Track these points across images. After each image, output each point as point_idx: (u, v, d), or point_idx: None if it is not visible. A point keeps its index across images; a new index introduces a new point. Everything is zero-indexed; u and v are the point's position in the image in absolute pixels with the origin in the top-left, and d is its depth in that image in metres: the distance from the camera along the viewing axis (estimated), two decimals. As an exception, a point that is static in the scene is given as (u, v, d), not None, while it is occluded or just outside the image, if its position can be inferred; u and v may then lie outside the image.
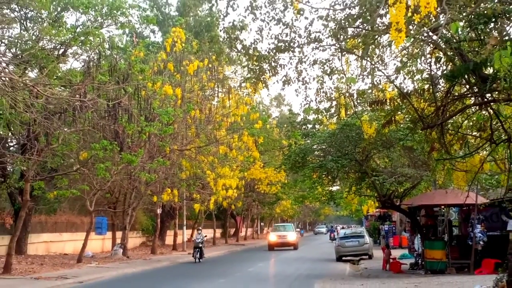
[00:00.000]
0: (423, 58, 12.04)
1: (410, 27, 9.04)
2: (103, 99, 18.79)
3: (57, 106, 17.97)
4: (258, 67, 12.34)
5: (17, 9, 20.16)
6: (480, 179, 19.25)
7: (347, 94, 13.76)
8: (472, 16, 9.65)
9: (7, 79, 15.27)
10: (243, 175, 34.21)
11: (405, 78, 13.21)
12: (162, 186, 27.59)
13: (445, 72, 11.68)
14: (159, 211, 32.56)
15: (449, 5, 8.73)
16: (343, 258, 28.70)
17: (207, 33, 35.81)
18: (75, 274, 18.96)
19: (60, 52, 21.66)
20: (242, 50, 12.55)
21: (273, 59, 12.10)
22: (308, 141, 23.53)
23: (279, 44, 11.76)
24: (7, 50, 20.30)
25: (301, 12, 11.17)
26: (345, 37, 11.47)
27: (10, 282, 16.32)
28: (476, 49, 10.77)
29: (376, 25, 10.58)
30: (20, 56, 18.96)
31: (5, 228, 23.90)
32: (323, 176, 23.01)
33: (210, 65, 25.91)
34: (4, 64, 16.82)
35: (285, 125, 38.88)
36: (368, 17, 10.16)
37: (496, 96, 11.30)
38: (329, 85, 13.68)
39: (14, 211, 24.48)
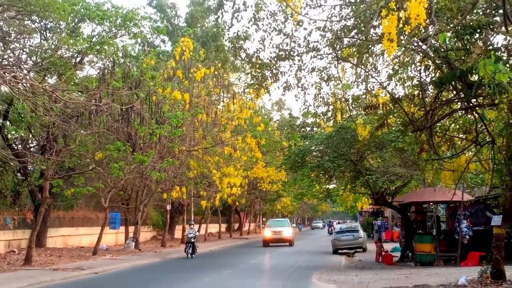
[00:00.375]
0: (413, 66, 12.06)
1: (402, 37, 9.06)
2: (117, 104, 18.81)
3: (74, 110, 17.99)
4: (260, 74, 12.35)
5: (37, 20, 20.20)
6: (466, 178, 19.23)
7: (343, 99, 13.76)
8: (459, 27, 9.67)
9: (28, 85, 15.30)
10: (247, 174, 34.19)
11: (396, 85, 13.24)
12: (171, 184, 27.57)
13: (433, 79, 11.68)
14: (168, 207, 32.54)
15: (437, 17, 8.74)
16: (339, 251, 28.64)
17: (213, 42, 35.83)
18: (91, 266, 18.96)
19: (77, 60, 21.70)
20: (245, 59, 12.57)
21: (274, 67, 12.12)
22: (307, 142, 23.53)
23: (280, 53, 11.78)
24: (28, 58, 20.35)
25: (301, 24, 11.20)
26: (341, 46, 11.49)
27: (31, 273, 16.33)
28: (463, 58, 10.78)
29: (370, 36, 10.60)
30: (40, 63, 19.01)
31: (26, 223, 23.92)
32: (321, 175, 23.00)
33: (216, 72, 25.93)
34: (25, 71, 16.87)
35: (286, 128, 38.93)
36: (363, 28, 10.17)
37: (481, 101, 11.30)
38: (326, 91, 13.75)
39: (34, 207, 24.50)
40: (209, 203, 33.37)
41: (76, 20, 21.33)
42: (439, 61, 11.07)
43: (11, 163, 22.00)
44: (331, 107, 13.91)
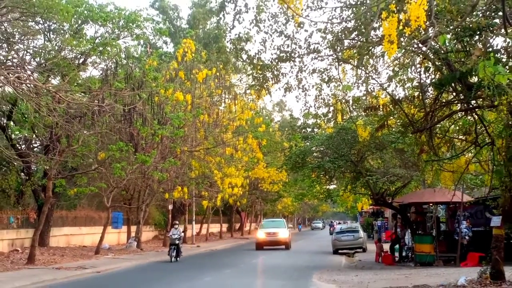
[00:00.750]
0: (413, 67, 12.05)
1: (402, 39, 9.05)
2: (120, 104, 18.82)
3: (77, 110, 18.00)
4: (261, 76, 12.35)
5: (41, 22, 20.21)
6: (465, 179, 19.20)
7: (343, 101, 13.76)
8: (459, 29, 9.65)
9: (31, 85, 15.32)
10: (248, 174, 34.16)
11: (396, 86, 13.24)
12: (173, 184, 27.58)
13: (433, 80, 11.68)
14: (170, 207, 32.55)
15: (437, 19, 8.73)
16: (339, 251, 28.61)
17: (215, 44, 35.89)
18: (93, 265, 18.96)
19: (81, 61, 21.70)
20: (247, 60, 12.57)
21: (275, 68, 12.12)
22: (308, 143, 23.51)
23: (281, 55, 11.78)
24: (32, 59, 20.36)
25: (301, 25, 11.20)
26: (342, 48, 11.49)
27: (34, 272, 16.34)
28: (462, 60, 10.77)
29: (370, 37, 10.59)
30: (44, 64, 19.02)
31: (29, 222, 23.93)
32: (321, 175, 22.98)
33: (217, 74, 25.95)
34: (29, 72, 16.88)
35: (286, 129, 38.92)
36: (363, 30, 10.16)
37: (481, 102, 11.29)
38: (327, 92, 13.71)
39: (37, 206, 24.51)
40: (210, 203, 33.36)
41: (80, 22, 21.33)
42: (439, 63, 11.06)
43: (15, 163, 22.02)
44: (331, 108, 13.91)
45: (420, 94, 11.82)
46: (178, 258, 22.08)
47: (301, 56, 11.80)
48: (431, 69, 11.66)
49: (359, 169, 20.64)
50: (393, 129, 16.52)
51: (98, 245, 24.22)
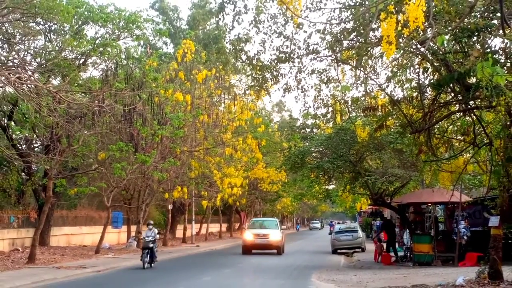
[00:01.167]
0: (411, 68, 12.05)
1: (400, 40, 9.04)
2: (120, 105, 18.80)
3: (77, 110, 17.99)
4: (261, 76, 12.36)
5: (41, 23, 20.19)
6: (464, 179, 19.23)
7: (342, 101, 13.77)
8: (457, 30, 9.65)
9: (32, 86, 15.30)
10: (247, 174, 34.15)
11: (395, 87, 13.24)
12: (173, 184, 27.56)
13: (432, 81, 11.68)
14: (170, 207, 32.53)
15: (435, 20, 8.72)
16: (338, 251, 28.61)
17: (215, 45, 35.85)
18: (93, 264, 18.94)
19: (81, 62, 21.69)
20: (246, 61, 12.58)
21: (274, 69, 12.13)
22: (307, 143, 23.52)
23: (280, 55, 11.79)
24: (33, 60, 20.35)
25: (301, 26, 11.20)
26: (341, 49, 11.49)
27: (35, 271, 16.33)
28: (461, 60, 10.77)
29: (369, 38, 10.59)
30: (44, 65, 19.00)
31: (30, 221, 23.92)
32: (320, 175, 22.98)
33: (217, 74, 25.93)
34: (30, 73, 16.87)
35: (286, 129, 38.87)
36: (362, 31, 10.17)
37: (479, 103, 11.29)
38: (326, 93, 13.72)
39: (38, 206, 24.50)
40: (210, 203, 33.35)
41: (80, 23, 21.33)
42: (438, 64, 11.06)
43: (16, 163, 21.99)
44: (330, 108, 13.91)
45: (419, 95, 11.83)
46: (152, 264, 18.71)
47: (300, 56, 11.80)
48: (430, 70, 11.66)
49: (358, 169, 20.64)
50: (392, 130, 16.52)
51: (98, 245, 24.20)
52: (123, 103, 19.36)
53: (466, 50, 10.35)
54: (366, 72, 12.40)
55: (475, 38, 9.89)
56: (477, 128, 12.19)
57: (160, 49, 37.09)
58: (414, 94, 12.46)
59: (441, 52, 10.62)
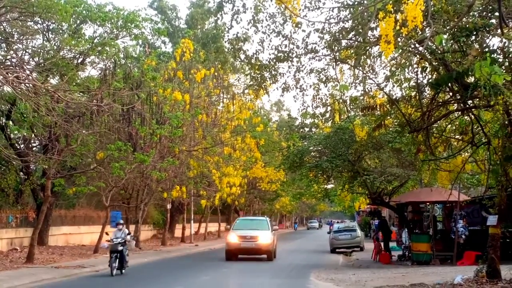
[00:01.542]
0: (410, 67, 12.05)
1: (399, 39, 9.04)
2: (118, 104, 18.79)
3: (76, 110, 17.97)
4: (259, 75, 12.37)
5: (40, 22, 20.16)
6: (462, 179, 19.23)
7: (340, 100, 13.78)
8: (455, 30, 9.66)
9: (30, 85, 15.29)
10: (246, 173, 34.18)
11: (393, 86, 13.24)
12: (171, 183, 27.55)
13: (430, 80, 11.69)
14: (169, 206, 32.53)
15: (434, 19, 8.73)
16: (337, 250, 28.63)
17: (213, 44, 35.85)
18: (92, 264, 18.93)
19: (79, 61, 21.66)
20: (245, 60, 12.58)
21: (273, 68, 12.14)
22: (305, 143, 23.55)
23: (279, 55, 11.80)
24: (31, 59, 20.32)
25: (299, 26, 11.21)
26: (339, 48, 11.50)
27: (33, 271, 16.31)
28: (459, 60, 10.78)
29: (368, 38, 10.60)
30: (42, 64, 18.98)
31: (28, 221, 23.89)
32: (319, 175, 23.00)
33: (216, 73, 25.93)
34: (28, 72, 16.85)
35: (284, 129, 38.90)
36: (360, 30, 10.17)
37: (477, 102, 11.31)
38: (325, 92, 13.74)
39: (36, 205, 24.47)
40: (208, 202, 33.36)
41: (78, 22, 21.29)
42: (436, 63, 11.07)
43: (14, 162, 21.97)
44: (329, 108, 13.93)
45: (417, 94, 11.84)
46: (123, 270, 16.33)
47: (298, 56, 11.81)
48: (428, 69, 11.68)
49: (357, 169, 20.66)
50: (390, 129, 16.55)
51: (97, 244, 24.18)
52: (122, 102, 19.35)
53: (464, 49, 10.36)
54: (364, 72, 12.41)
55: (473, 37, 9.90)
56: (475, 127, 12.21)
57: (159, 48, 37.11)
58: (413, 94, 12.47)
59: (439, 52, 10.63)
